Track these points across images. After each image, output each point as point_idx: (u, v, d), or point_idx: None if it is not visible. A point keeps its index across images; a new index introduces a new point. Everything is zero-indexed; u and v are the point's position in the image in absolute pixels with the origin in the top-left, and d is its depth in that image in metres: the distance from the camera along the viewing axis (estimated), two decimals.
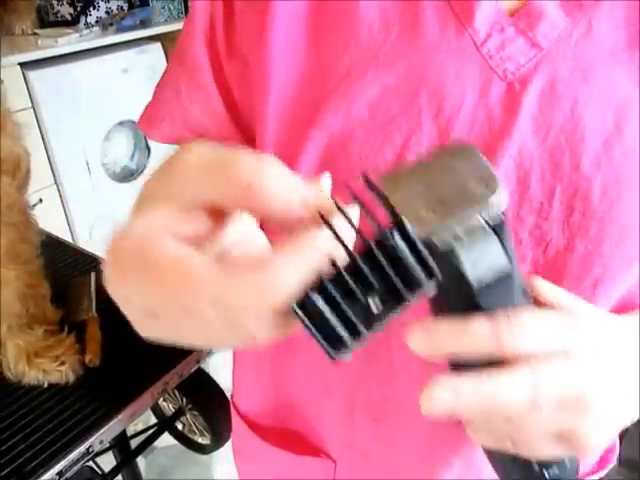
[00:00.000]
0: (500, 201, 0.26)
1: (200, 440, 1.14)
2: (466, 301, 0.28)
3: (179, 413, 1.09)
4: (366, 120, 0.38)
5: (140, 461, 1.49)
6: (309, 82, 0.40)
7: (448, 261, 0.26)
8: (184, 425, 1.17)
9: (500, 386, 0.27)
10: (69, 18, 2.11)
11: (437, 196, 0.27)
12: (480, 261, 0.26)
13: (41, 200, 2.00)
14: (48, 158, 2.03)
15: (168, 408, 1.16)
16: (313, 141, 0.39)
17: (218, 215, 0.24)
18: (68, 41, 1.96)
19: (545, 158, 0.35)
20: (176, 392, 1.09)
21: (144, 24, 2.24)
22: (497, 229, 0.26)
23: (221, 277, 0.21)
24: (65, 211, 2.14)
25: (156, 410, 1.17)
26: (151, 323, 0.25)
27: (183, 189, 0.24)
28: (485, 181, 0.26)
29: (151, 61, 2.21)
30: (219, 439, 1.04)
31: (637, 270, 0.37)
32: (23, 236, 0.77)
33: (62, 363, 0.75)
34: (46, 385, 0.75)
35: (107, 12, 2.19)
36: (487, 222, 0.26)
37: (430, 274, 0.22)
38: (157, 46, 2.24)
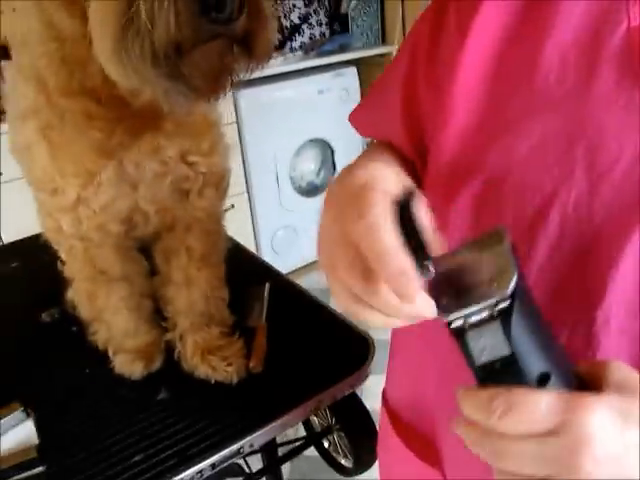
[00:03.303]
0: (510, 290, 0.30)
1: (343, 462, 1.16)
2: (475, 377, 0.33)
3: (327, 431, 1.12)
4: (524, 164, 0.39)
5: (285, 465, 1.56)
6: (482, 121, 0.42)
7: (462, 344, 0.32)
8: (330, 443, 1.20)
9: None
10: (277, 43, 2.30)
11: (459, 284, 0.33)
12: (485, 347, 0.31)
13: (233, 206, 2.21)
14: (244, 168, 2.23)
15: (318, 424, 1.20)
16: (475, 178, 0.42)
17: None
18: (273, 64, 2.15)
19: None
20: (327, 411, 1.11)
21: (342, 49, 2.37)
22: (505, 314, 0.30)
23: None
24: (252, 218, 2.33)
25: (307, 424, 1.22)
26: None
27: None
28: (501, 271, 0.31)
29: (345, 84, 2.32)
30: (361, 464, 1.04)
31: None
32: (215, 243, 0.85)
33: (229, 364, 0.82)
34: (213, 382, 0.82)
35: (310, 38, 2.36)
36: (496, 309, 0.30)
37: None
38: (352, 70, 2.35)
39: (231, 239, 1.10)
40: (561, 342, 0.36)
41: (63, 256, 0.79)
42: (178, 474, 0.69)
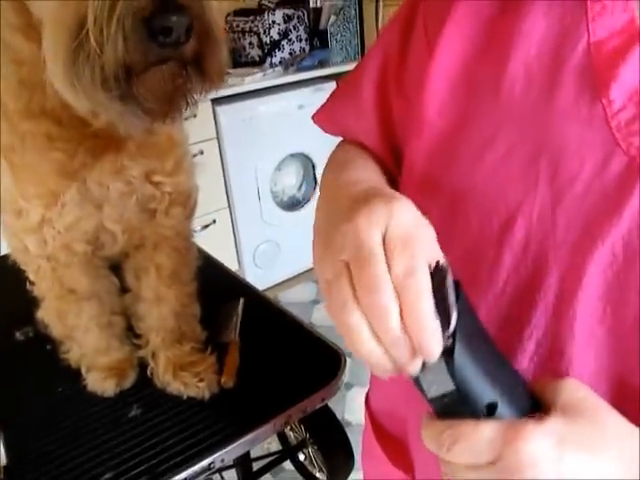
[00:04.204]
0: (450, 330, 0.31)
1: (318, 475, 1.16)
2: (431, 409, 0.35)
3: (302, 445, 1.13)
4: (489, 176, 0.40)
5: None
6: (451, 135, 0.43)
7: (414, 379, 0.33)
8: (306, 457, 1.20)
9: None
10: (257, 59, 2.33)
11: None
12: (433, 383, 0.32)
13: (215, 221, 2.21)
14: (225, 183, 2.24)
15: (293, 438, 1.20)
16: (444, 191, 0.43)
17: None
18: (253, 80, 2.17)
19: None
20: (302, 425, 1.12)
21: (322, 64, 2.39)
22: (448, 352, 0.31)
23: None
24: (234, 233, 2.34)
25: (283, 438, 1.22)
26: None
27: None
28: (442, 311, 0.31)
29: (325, 98, 2.34)
30: (334, 478, 1.04)
31: None
32: (185, 260, 0.86)
33: (201, 380, 0.82)
34: (185, 397, 0.82)
35: (290, 53, 2.38)
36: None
37: None
38: (332, 85, 2.37)
39: (208, 255, 1.11)
40: (513, 366, 0.36)
41: (31, 276, 0.79)
42: None
